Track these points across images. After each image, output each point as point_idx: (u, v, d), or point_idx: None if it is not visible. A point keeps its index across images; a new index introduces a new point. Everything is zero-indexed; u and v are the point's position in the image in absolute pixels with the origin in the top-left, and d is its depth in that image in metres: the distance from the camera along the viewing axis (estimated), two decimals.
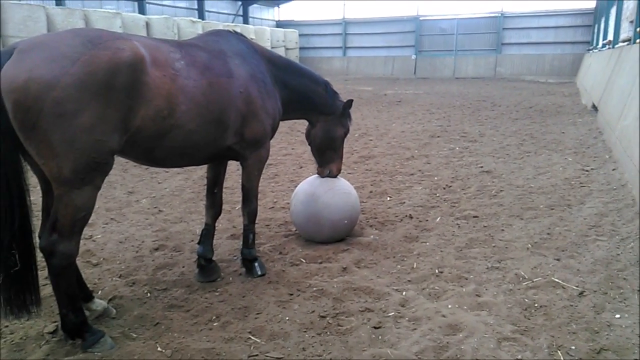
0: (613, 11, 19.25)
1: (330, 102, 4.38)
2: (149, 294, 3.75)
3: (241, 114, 3.54)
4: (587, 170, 7.25)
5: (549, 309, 3.43)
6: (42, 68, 2.51)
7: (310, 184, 4.71)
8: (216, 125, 3.38)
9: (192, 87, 3.16)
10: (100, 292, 3.77)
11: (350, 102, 4.48)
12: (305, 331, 3.23)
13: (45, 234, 2.83)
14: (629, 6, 16.69)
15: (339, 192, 4.62)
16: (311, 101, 4.28)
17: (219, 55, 3.50)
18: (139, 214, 5.70)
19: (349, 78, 32.16)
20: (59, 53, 2.57)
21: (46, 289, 3.53)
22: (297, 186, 4.91)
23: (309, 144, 4.62)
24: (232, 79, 3.48)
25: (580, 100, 16.78)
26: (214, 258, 4.07)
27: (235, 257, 4.40)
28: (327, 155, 4.58)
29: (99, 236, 4.95)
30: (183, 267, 4.25)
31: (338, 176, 4.75)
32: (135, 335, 3.17)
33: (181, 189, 6.72)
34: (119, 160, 3.03)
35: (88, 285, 3.49)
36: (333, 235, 4.67)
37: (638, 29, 12.90)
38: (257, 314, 3.45)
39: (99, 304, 3.38)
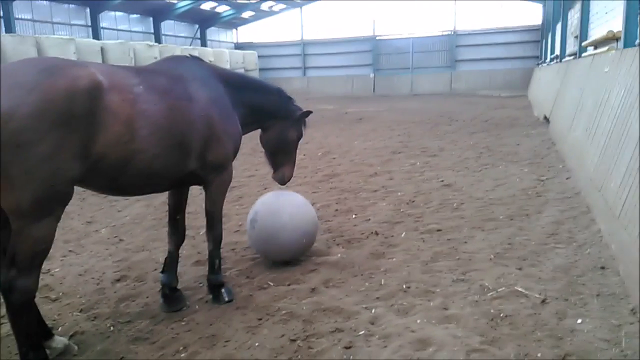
0: (558, 27, 20.22)
1: (285, 107, 4.43)
2: (112, 328, 3.62)
3: (203, 137, 3.52)
4: (542, 180, 7.50)
5: (514, 318, 3.50)
6: None
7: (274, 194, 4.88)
8: (179, 150, 3.35)
9: (153, 112, 3.13)
10: (60, 328, 3.61)
11: (308, 112, 4.56)
12: (275, 356, 3.18)
13: (3, 270, 2.72)
14: (574, 22, 17.58)
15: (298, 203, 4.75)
16: (267, 112, 4.32)
17: (178, 80, 3.48)
18: (99, 244, 5.53)
19: (310, 97, 32.38)
20: (15, 83, 2.51)
21: (3, 328, 3.37)
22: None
23: (263, 147, 4.61)
24: (192, 102, 3.46)
25: (533, 113, 17.44)
26: (178, 286, 3.98)
27: (201, 284, 4.31)
28: (280, 158, 4.59)
29: (57, 270, 4.77)
30: (147, 297, 4.13)
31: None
32: None
33: (142, 217, 6.57)
34: (76, 190, 2.95)
35: (47, 322, 3.34)
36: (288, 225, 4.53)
37: (583, 44, 13.59)
38: (226, 341, 3.38)
39: (59, 341, 3.24)
